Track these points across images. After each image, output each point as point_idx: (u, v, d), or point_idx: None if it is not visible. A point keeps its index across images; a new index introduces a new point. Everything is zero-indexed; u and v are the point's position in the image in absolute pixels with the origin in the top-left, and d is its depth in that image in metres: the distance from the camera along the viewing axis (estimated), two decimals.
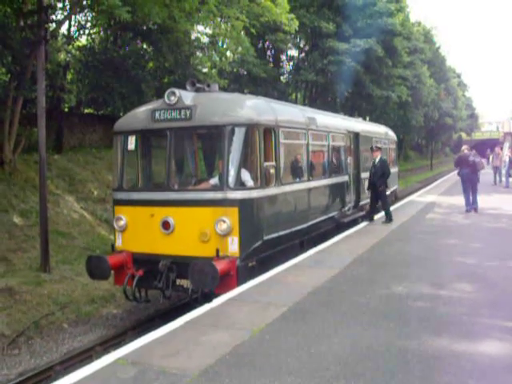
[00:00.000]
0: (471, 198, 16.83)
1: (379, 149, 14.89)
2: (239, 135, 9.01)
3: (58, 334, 9.83)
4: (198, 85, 10.06)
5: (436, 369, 4.98)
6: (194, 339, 5.87)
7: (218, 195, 8.92)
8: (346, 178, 14.49)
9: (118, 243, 9.82)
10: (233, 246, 8.76)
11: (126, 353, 5.56)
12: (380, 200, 14.64)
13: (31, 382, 7.92)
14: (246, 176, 9.18)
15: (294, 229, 10.65)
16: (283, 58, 37.13)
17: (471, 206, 16.79)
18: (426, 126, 59.88)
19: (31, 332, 9.64)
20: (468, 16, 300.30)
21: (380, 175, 14.12)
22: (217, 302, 7.40)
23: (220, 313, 6.88)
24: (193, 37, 24.29)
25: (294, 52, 37.47)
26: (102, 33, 24.06)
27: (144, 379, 4.86)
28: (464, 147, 18.14)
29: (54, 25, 15.86)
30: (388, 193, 20.15)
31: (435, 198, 21.97)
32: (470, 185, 16.81)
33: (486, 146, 51.19)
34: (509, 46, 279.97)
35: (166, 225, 9.11)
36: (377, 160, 14.27)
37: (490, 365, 5.09)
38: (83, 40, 24.39)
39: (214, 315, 6.78)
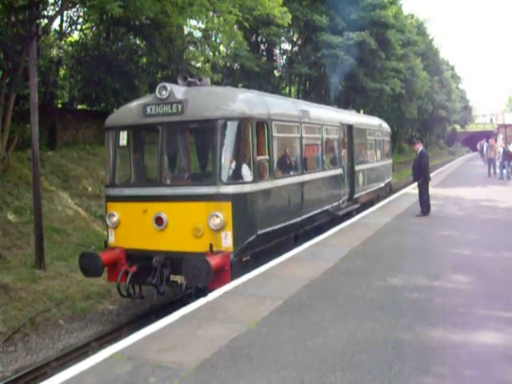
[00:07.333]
0: None
1: (420, 141, 15.18)
2: (232, 129, 8.97)
3: (54, 330, 9.79)
4: (190, 79, 10.00)
5: (432, 360, 4.98)
6: (190, 333, 5.85)
7: (211, 190, 8.87)
8: (339, 170, 14.46)
9: (111, 240, 9.77)
10: (226, 241, 8.72)
11: (122, 347, 5.54)
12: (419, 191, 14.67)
13: (27, 379, 7.89)
14: (245, 171, 9.13)
15: (288, 222, 10.62)
16: (276, 51, 37.02)
17: None
18: (420, 118, 59.93)
19: (27, 329, 9.60)
20: (461, 8, 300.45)
21: (417, 167, 14.34)
22: (213, 295, 7.38)
23: (216, 306, 6.86)
24: (186, 31, 24.21)
25: (287, 46, 37.37)
26: (94, 28, 23.91)
27: (140, 373, 4.85)
28: None
29: (45, 20, 15.76)
30: (383, 185, 20.23)
31: (430, 190, 21.90)
32: None
33: (480, 139, 51.32)
34: (502, 39, 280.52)
35: (158, 220, 9.06)
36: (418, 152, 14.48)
37: (487, 355, 5.10)
38: (75, 35, 24.26)
39: (210, 309, 6.76)
